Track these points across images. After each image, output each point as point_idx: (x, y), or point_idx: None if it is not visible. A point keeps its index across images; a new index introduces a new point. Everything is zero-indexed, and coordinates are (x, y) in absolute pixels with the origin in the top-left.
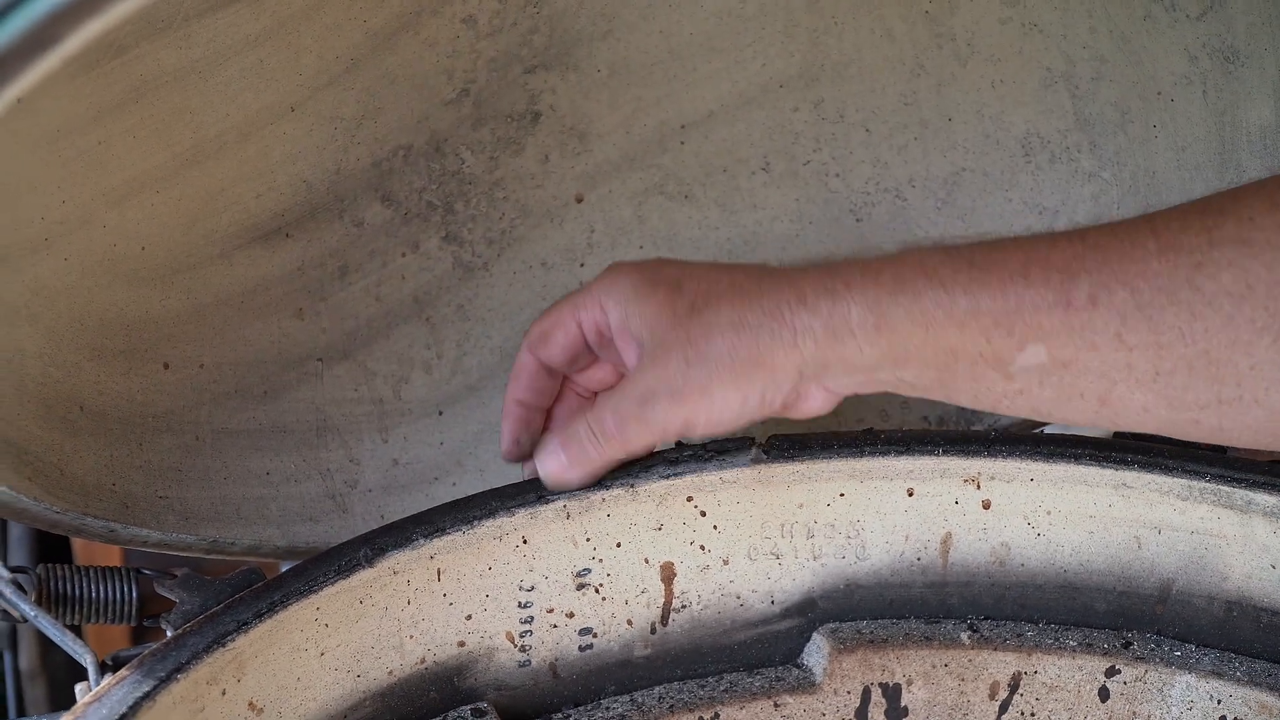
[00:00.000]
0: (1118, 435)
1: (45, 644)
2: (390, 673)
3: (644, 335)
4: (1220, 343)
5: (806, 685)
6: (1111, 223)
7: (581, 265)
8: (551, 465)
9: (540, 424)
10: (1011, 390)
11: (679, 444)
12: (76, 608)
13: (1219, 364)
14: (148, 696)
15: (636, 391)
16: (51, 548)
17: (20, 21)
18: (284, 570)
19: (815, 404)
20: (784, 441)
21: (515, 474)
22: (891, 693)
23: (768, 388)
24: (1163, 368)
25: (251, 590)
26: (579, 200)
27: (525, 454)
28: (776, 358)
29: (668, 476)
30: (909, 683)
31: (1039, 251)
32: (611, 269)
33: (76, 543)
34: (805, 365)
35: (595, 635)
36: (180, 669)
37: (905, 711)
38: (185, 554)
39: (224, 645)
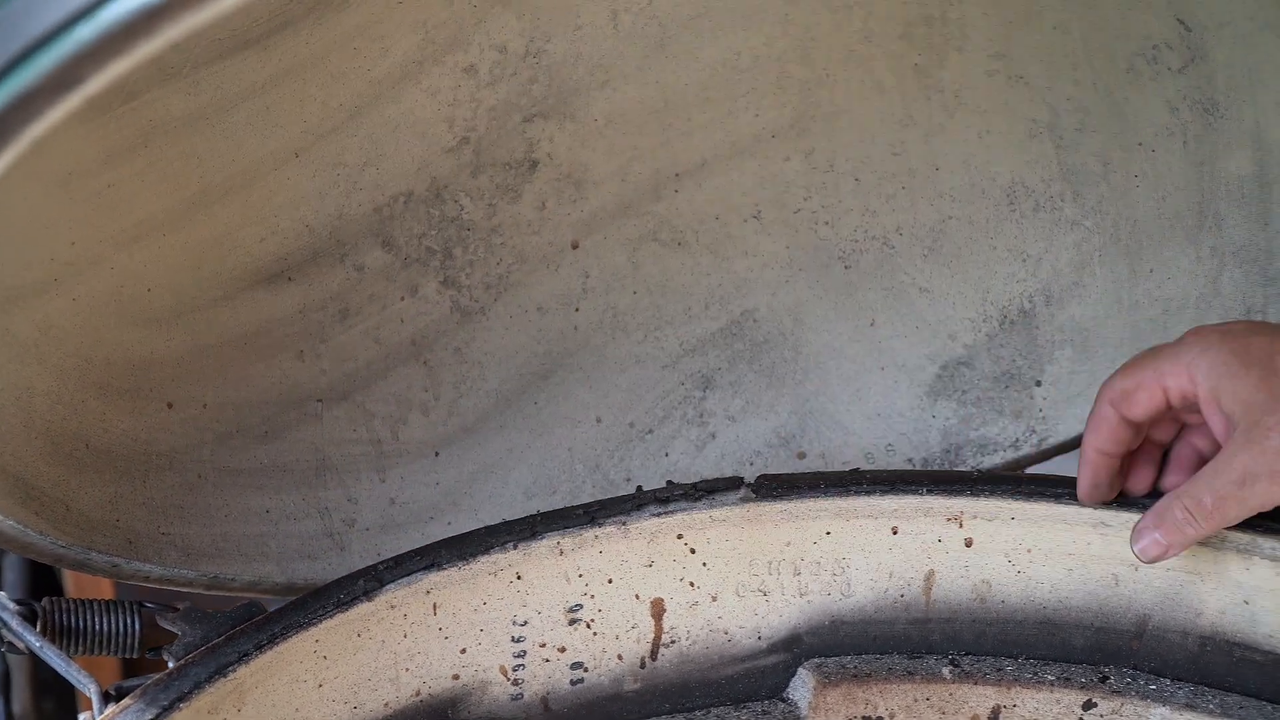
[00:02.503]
0: None
1: (38, 686)
2: (386, 705)
3: (1237, 413)
4: None
5: (792, 719)
6: None
7: (577, 310)
8: (1149, 546)
9: (1118, 470)
10: None
11: (669, 483)
12: (80, 640)
13: None
14: None
15: (1235, 473)
16: (41, 580)
17: (46, 62)
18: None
19: None
20: (772, 481)
21: (509, 514)
22: None
23: None
24: None
25: (252, 622)
26: (575, 247)
27: (1104, 498)
28: None
29: (659, 515)
30: (891, 716)
31: None
32: (1198, 336)
33: (68, 575)
34: None
35: (586, 669)
36: (183, 698)
37: None
38: (186, 589)
39: (225, 676)
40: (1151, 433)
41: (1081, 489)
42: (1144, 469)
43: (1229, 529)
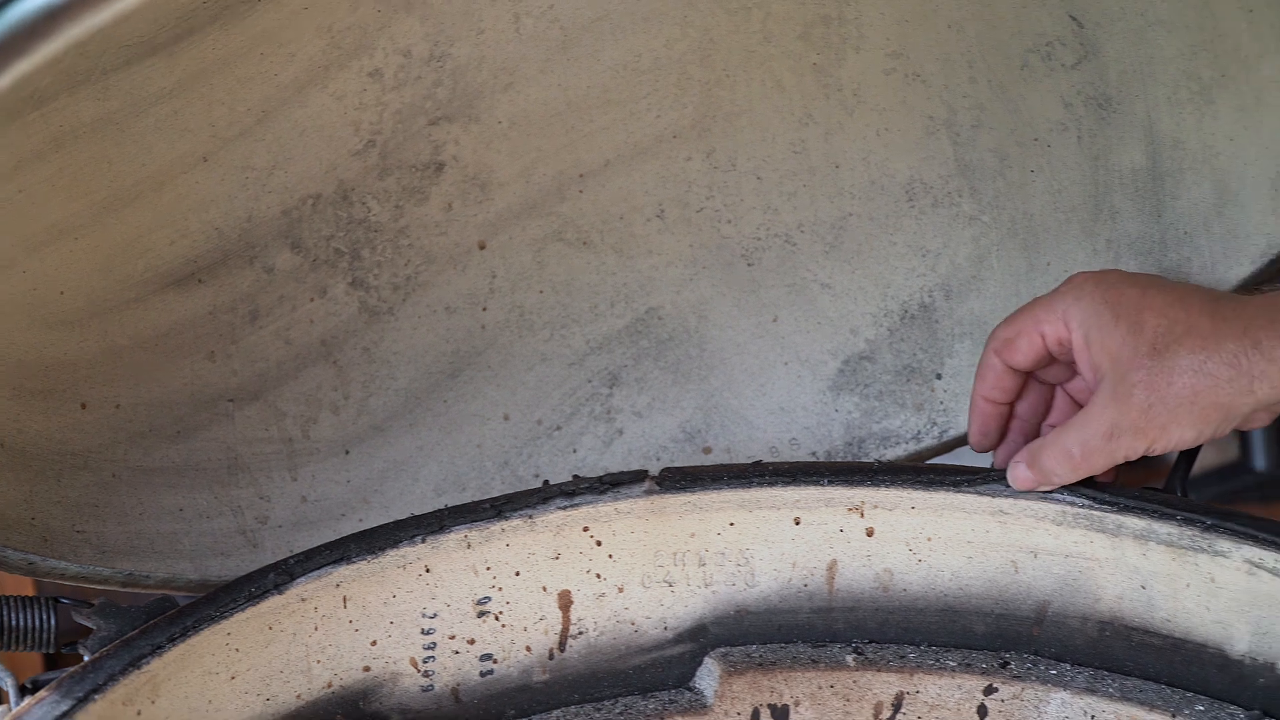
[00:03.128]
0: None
1: None
2: (298, 696)
3: (1105, 367)
4: None
5: (698, 707)
6: None
7: (484, 309)
8: (1020, 479)
9: (1006, 418)
10: None
11: (575, 477)
12: None
13: None
14: (66, 716)
15: (1103, 426)
16: None
17: None
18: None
19: (1258, 422)
20: (676, 474)
21: (420, 511)
22: (780, 713)
23: (1221, 424)
24: None
25: (166, 616)
26: (481, 247)
27: (993, 444)
28: (1235, 402)
29: (565, 508)
30: (796, 704)
31: None
32: (1074, 284)
33: None
34: (1260, 403)
35: (495, 661)
36: (97, 690)
37: None
38: (101, 586)
39: (139, 668)
40: (1046, 376)
41: (971, 437)
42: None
43: (1124, 514)
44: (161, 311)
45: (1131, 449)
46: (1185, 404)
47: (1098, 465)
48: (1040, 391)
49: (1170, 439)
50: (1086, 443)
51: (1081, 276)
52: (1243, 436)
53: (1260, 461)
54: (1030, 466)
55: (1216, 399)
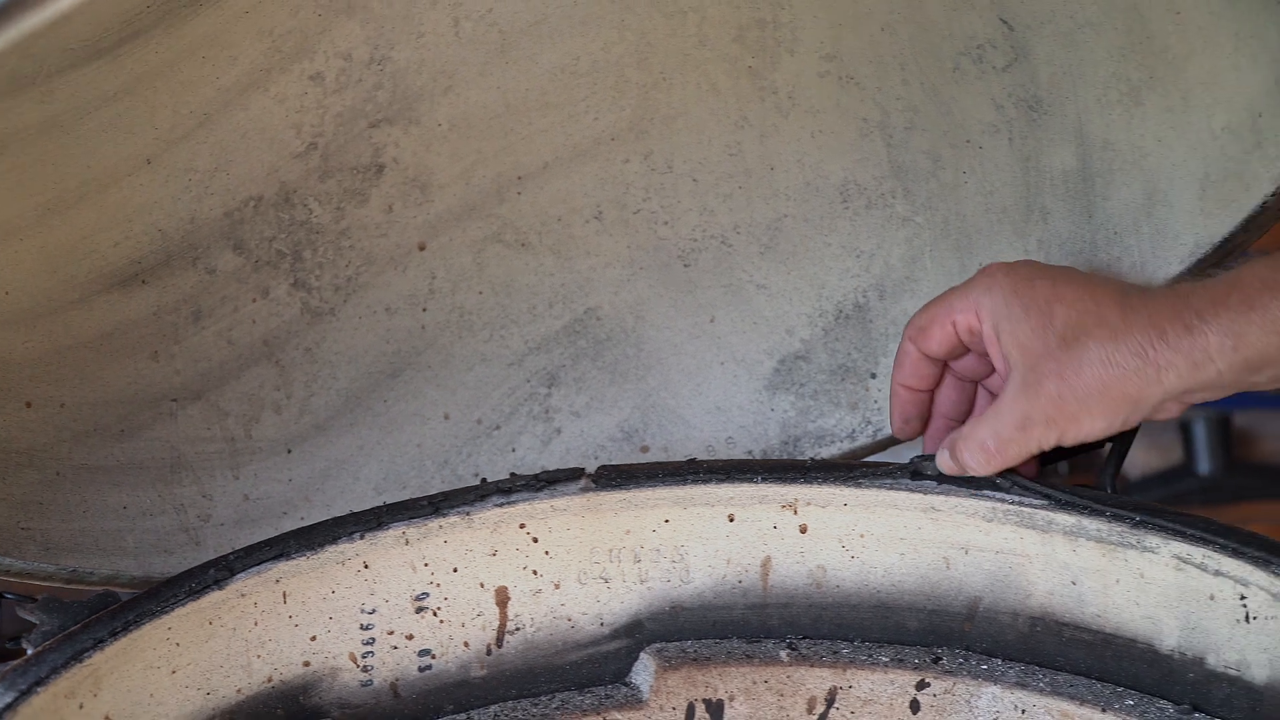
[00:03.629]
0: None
1: None
2: (239, 690)
3: (1015, 357)
4: None
5: (634, 702)
6: None
7: (424, 310)
8: (943, 463)
9: (926, 405)
10: None
11: (512, 474)
12: None
13: None
14: (9, 708)
15: (1015, 417)
16: None
17: None
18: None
19: (1171, 412)
20: (611, 471)
21: (360, 509)
22: (714, 708)
23: (1131, 414)
24: None
25: (107, 611)
26: (421, 249)
27: (915, 431)
28: (1144, 392)
29: (501, 505)
30: (731, 699)
31: None
32: (986, 274)
33: None
34: (1168, 393)
35: (434, 656)
36: (40, 683)
37: None
38: (46, 583)
39: (81, 661)
40: (963, 369)
41: (893, 423)
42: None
43: (1054, 511)
44: (105, 312)
45: (1044, 439)
46: (1095, 394)
47: (1012, 455)
48: (961, 388)
49: (1081, 429)
50: (999, 434)
51: (995, 267)
52: (1186, 441)
53: (1204, 465)
54: (952, 455)
55: (1125, 389)
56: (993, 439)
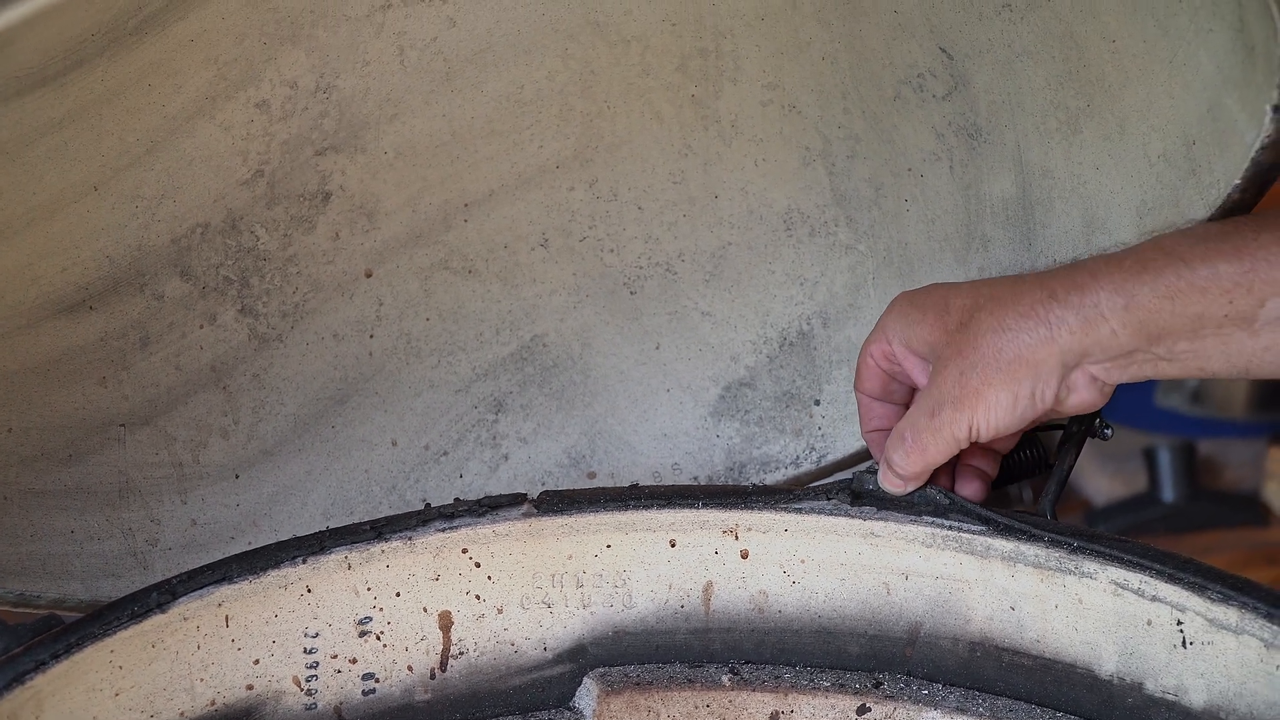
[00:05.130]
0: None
1: None
2: (182, 714)
3: (925, 353)
4: None
5: None
6: None
7: (371, 336)
8: (884, 481)
9: None
10: (1259, 348)
11: (456, 499)
12: None
13: None
14: None
15: (926, 406)
16: None
17: None
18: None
19: (1085, 396)
20: (554, 497)
21: (307, 532)
22: None
23: (1036, 383)
24: None
25: (50, 633)
26: (368, 275)
27: None
28: (1038, 353)
29: (444, 530)
30: None
31: (1271, 219)
32: (893, 300)
33: None
34: (1065, 354)
35: (378, 680)
36: None
37: None
38: None
39: (23, 683)
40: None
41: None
42: None
43: (992, 537)
44: (53, 338)
45: (954, 422)
46: (990, 362)
47: (930, 447)
48: None
49: (988, 404)
50: (915, 424)
51: (901, 295)
52: (1151, 469)
53: (1168, 494)
54: (885, 465)
55: (1019, 351)
56: (910, 431)
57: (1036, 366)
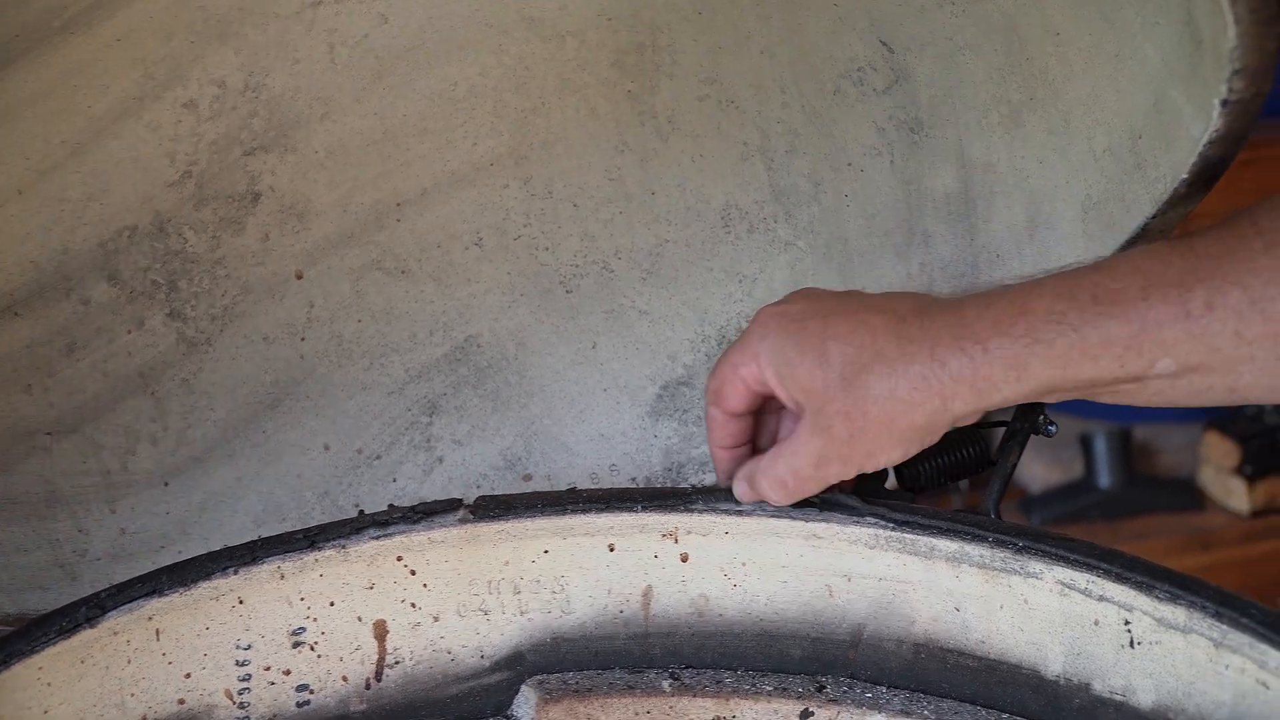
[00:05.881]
0: None
1: None
2: None
3: (801, 401)
4: None
5: None
6: (1218, 226)
7: (302, 339)
8: (743, 493)
9: (748, 455)
10: (1147, 394)
11: (390, 506)
12: None
13: None
14: None
15: (810, 457)
16: None
17: None
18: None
19: (969, 421)
20: (490, 502)
21: (238, 541)
22: None
23: (925, 439)
24: None
25: None
26: (299, 277)
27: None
28: (932, 421)
29: (378, 538)
30: None
31: (1155, 273)
32: (760, 322)
33: None
34: (957, 419)
35: (312, 691)
36: None
37: None
38: None
39: None
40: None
41: (721, 483)
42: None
43: (936, 537)
44: None
45: (842, 474)
46: (883, 430)
47: (811, 490)
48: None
49: (879, 460)
50: (797, 471)
51: (766, 313)
52: (1087, 455)
53: (1104, 479)
54: (751, 486)
55: (913, 421)
56: (791, 476)
57: (928, 430)
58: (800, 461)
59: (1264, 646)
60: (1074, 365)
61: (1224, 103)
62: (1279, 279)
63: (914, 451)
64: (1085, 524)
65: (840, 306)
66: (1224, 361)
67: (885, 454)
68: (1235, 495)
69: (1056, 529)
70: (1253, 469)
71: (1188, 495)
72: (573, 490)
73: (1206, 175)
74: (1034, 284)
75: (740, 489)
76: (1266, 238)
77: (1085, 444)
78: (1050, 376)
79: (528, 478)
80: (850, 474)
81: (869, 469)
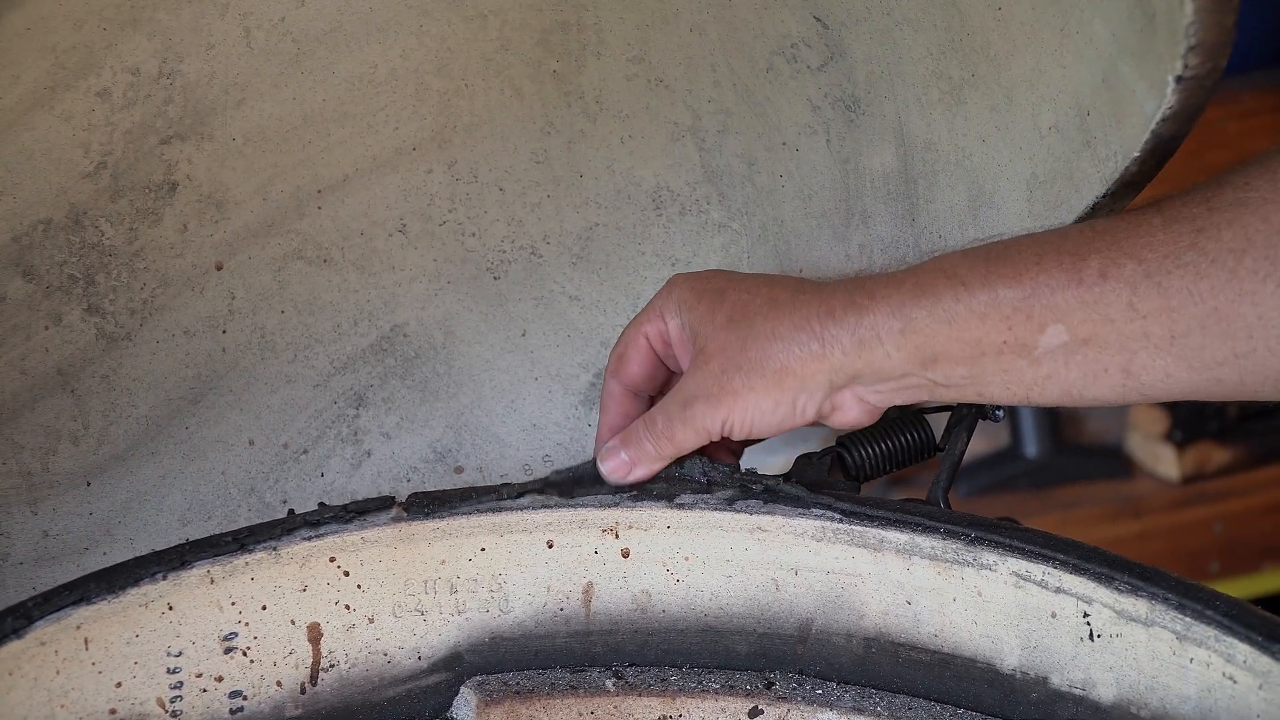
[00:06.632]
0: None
1: None
2: None
3: (692, 341)
4: (1227, 297)
5: None
6: (1121, 212)
7: (224, 332)
8: (613, 463)
9: None
10: (1040, 376)
11: (321, 505)
12: None
13: (1229, 319)
14: None
15: (682, 395)
16: None
17: None
18: None
19: (852, 414)
20: (424, 499)
21: (165, 541)
22: None
23: (799, 394)
24: (1177, 330)
25: None
26: (219, 268)
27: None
28: (806, 367)
29: (310, 538)
30: None
31: (1051, 242)
32: (669, 281)
33: None
34: (834, 373)
35: (246, 698)
36: None
37: None
38: None
39: None
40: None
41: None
42: None
43: (886, 529)
44: None
45: (707, 416)
46: (757, 367)
47: (679, 436)
48: None
49: (746, 406)
50: (668, 412)
51: (676, 276)
52: (1014, 424)
53: (1031, 449)
54: (624, 446)
55: (787, 362)
56: (662, 417)
57: (803, 380)
58: (673, 402)
59: (1230, 639)
60: (959, 321)
61: (1179, 79)
62: (1176, 254)
63: (785, 409)
64: (1013, 493)
65: (758, 274)
66: (1118, 336)
67: (754, 397)
68: (1164, 462)
69: (984, 499)
70: (1182, 435)
71: (1116, 463)
72: (508, 485)
73: (1159, 152)
74: (938, 256)
75: (613, 463)
76: (1165, 214)
77: (1011, 413)
78: (934, 333)
79: (459, 470)
80: (717, 419)
81: (738, 417)
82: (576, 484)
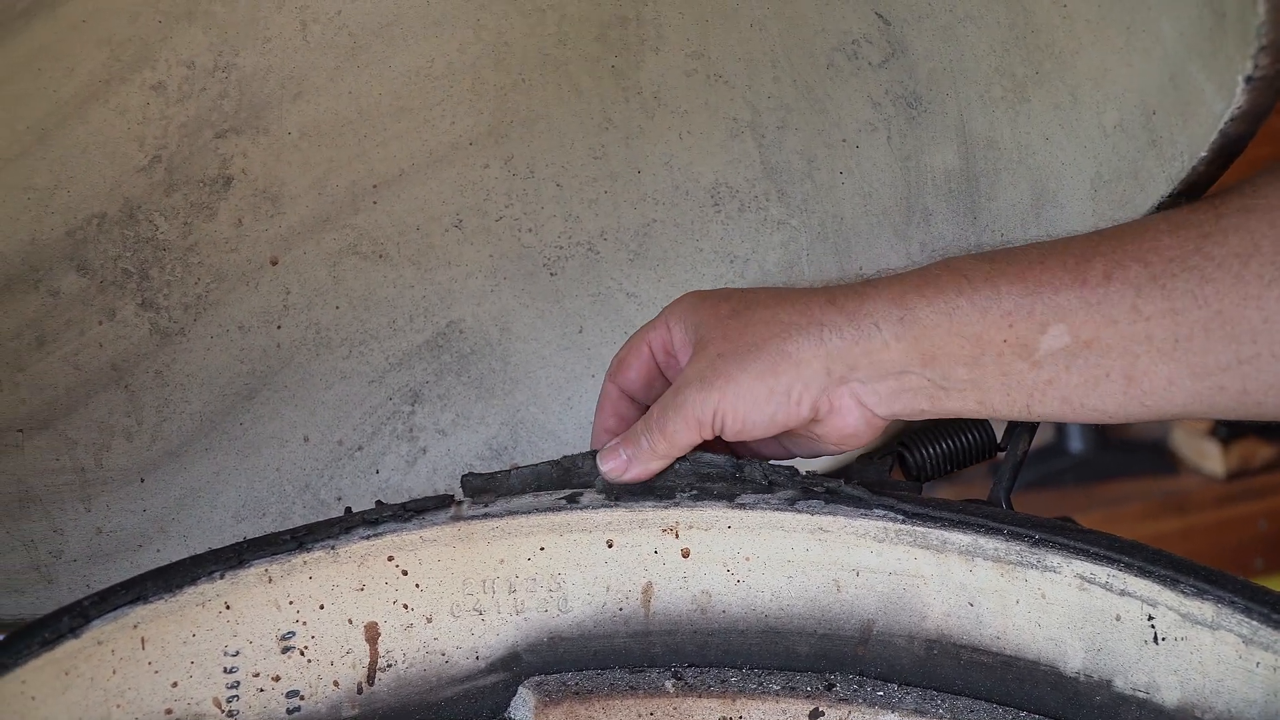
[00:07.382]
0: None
1: None
2: None
3: (694, 340)
4: (1232, 301)
5: None
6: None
7: (279, 327)
8: (613, 462)
9: None
10: (1041, 380)
11: (379, 503)
12: None
13: (1233, 322)
14: None
15: (676, 384)
16: None
17: None
18: None
19: (850, 419)
20: (477, 479)
21: (219, 538)
22: None
23: (794, 383)
24: (1180, 334)
25: None
26: (274, 263)
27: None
28: (804, 351)
29: (368, 537)
30: None
31: (1056, 246)
32: (677, 299)
33: None
34: (832, 359)
35: (303, 698)
36: None
37: None
38: None
39: None
40: None
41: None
42: None
43: (948, 530)
44: None
45: (698, 403)
46: (751, 350)
47: (671, 427)
48: None
49: (738, 390)
50: (662, 402)
51: (690, 291)
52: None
53: (1076, 444)
54: (623, 444)
55: (783, 345)
56: (658, 409)
57: (800, 365)
58: (666, 392)
59: None
60: (960, 315)
61: (1249, 79)
62: (1182, 258)
63: (779, 399)
64: (1058, 489)
65: (763, 289)
66: (1120, 339)
67: (748, 382)
68: (1209, 458)
69: (1029, 496)
70: (1227, 431)
71: (1161, 459)
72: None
73: (1227, 152)
74: (945, 256)
75: (612, 463)
76: (1172, 220)
77: None
78: (934, 324)
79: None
80: (709, 405)
81: (729, 405)
82: (568, 473)
